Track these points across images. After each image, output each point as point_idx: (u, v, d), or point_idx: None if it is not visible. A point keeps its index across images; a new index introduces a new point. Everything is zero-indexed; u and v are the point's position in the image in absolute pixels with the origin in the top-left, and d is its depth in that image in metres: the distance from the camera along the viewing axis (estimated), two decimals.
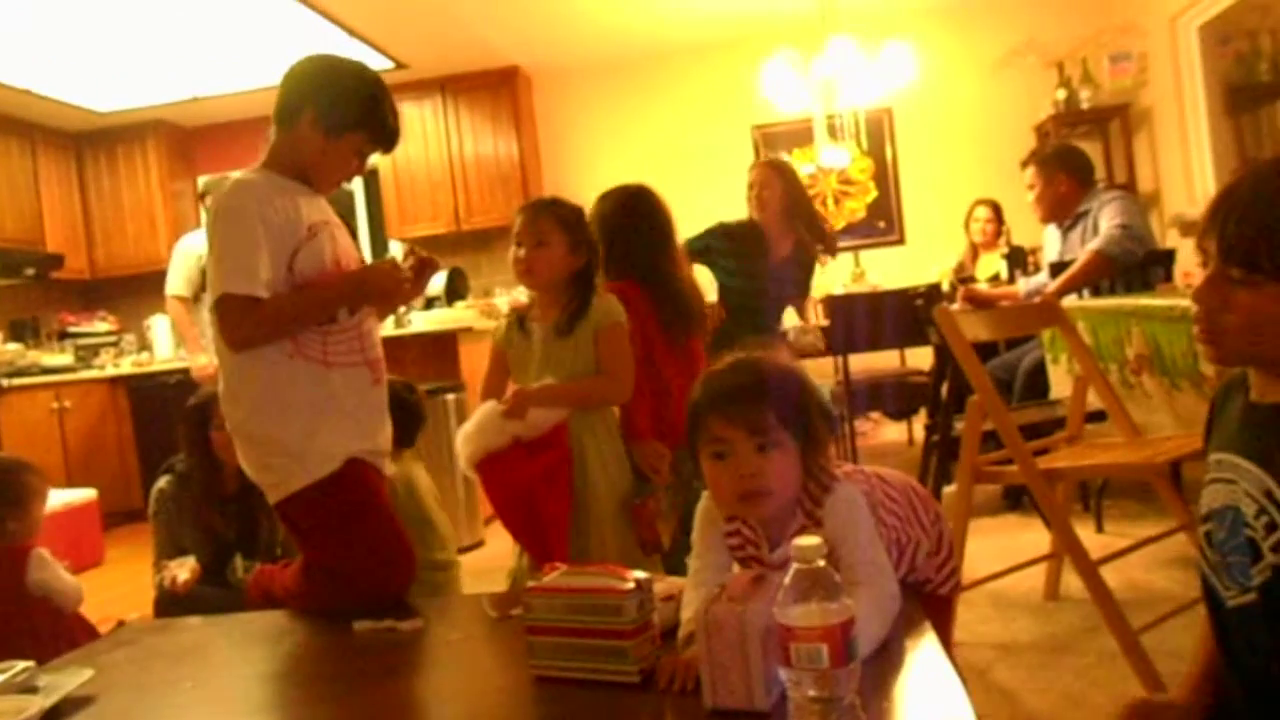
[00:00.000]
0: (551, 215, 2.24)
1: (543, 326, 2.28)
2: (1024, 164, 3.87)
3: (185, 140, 6.57)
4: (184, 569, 2.67)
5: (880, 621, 1.19)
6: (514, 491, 2.19)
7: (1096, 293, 3.48)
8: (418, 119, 6.21)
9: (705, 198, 6.24)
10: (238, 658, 1.50)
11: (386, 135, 1.99)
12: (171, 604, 2.67)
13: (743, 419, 1.21)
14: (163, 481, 2.95)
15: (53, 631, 2.24)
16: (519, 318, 2.35)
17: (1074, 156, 3.82)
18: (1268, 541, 1.03)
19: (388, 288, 1.95)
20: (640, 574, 1.18)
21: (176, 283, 4.90)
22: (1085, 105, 5.62)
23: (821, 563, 0.93)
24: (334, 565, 1.84)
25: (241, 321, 1.80)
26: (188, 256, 4.89)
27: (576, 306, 2.25)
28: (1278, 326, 0.99)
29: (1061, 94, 5.65)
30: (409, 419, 2.75)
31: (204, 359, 4.84)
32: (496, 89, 6.19)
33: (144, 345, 6.38)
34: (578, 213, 2.31)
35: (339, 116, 1.94)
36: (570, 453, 2.21)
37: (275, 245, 1.84)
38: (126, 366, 5.95)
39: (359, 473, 1.88)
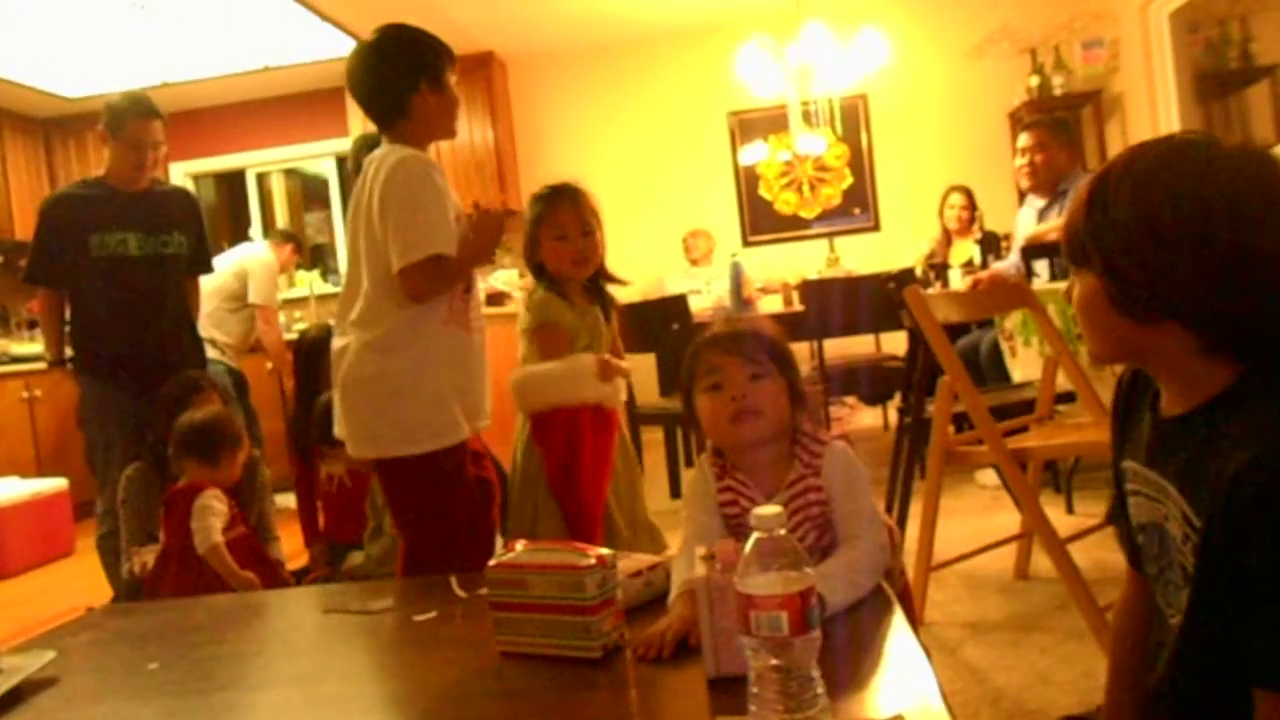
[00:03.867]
0: (588, 203, 2.34)
1: (582, 307, 2.36)
2: (1027, 126, 3.86)
3: None
4: (154, 555, 2.65)
5: (872, 572, 1.25)
6: (572, 454, 2.26)
7: (1068, 275, 3.51)
8: None
9: (681, 183, 6.27)
10: (203, 639, 1.49)
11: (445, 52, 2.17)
12: (140, 591, 2.65)
13: (736, 349, 1.34)
14: (131, 469, 2.93)
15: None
16: (558, 292, 2.35)
17: (1074, 132, 3.86)
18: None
19: (496, 237, 2.13)
20: (603, 550, 1.18)
21: (273, 294, 4.95)
22: (1058, 92, 5.66)
23: (782, 531, 0.94)
24: (428, 530, 2.05)
25: (432, 277, 1.98)
26: (275, 272, 4.99)
27: (602, 290, 2.42)
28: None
29: (1035, 80, 5.68)
30: None
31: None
32: (471, 75, 6.15)
33: None
34: (593, 198, 2.40)
35: (434, 64, 2.11)
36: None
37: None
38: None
39: (463, 447, 2.06)
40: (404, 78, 2.08)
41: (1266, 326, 0.95)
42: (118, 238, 3.13)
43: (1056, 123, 3.87)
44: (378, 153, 2.11)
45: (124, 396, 3.10)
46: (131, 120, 3.12)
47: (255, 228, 6.59)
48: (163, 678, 1.35)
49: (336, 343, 2.12)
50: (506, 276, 5.41)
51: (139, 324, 3.18)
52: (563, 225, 2.29)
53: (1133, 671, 1.15)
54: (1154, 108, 5.32)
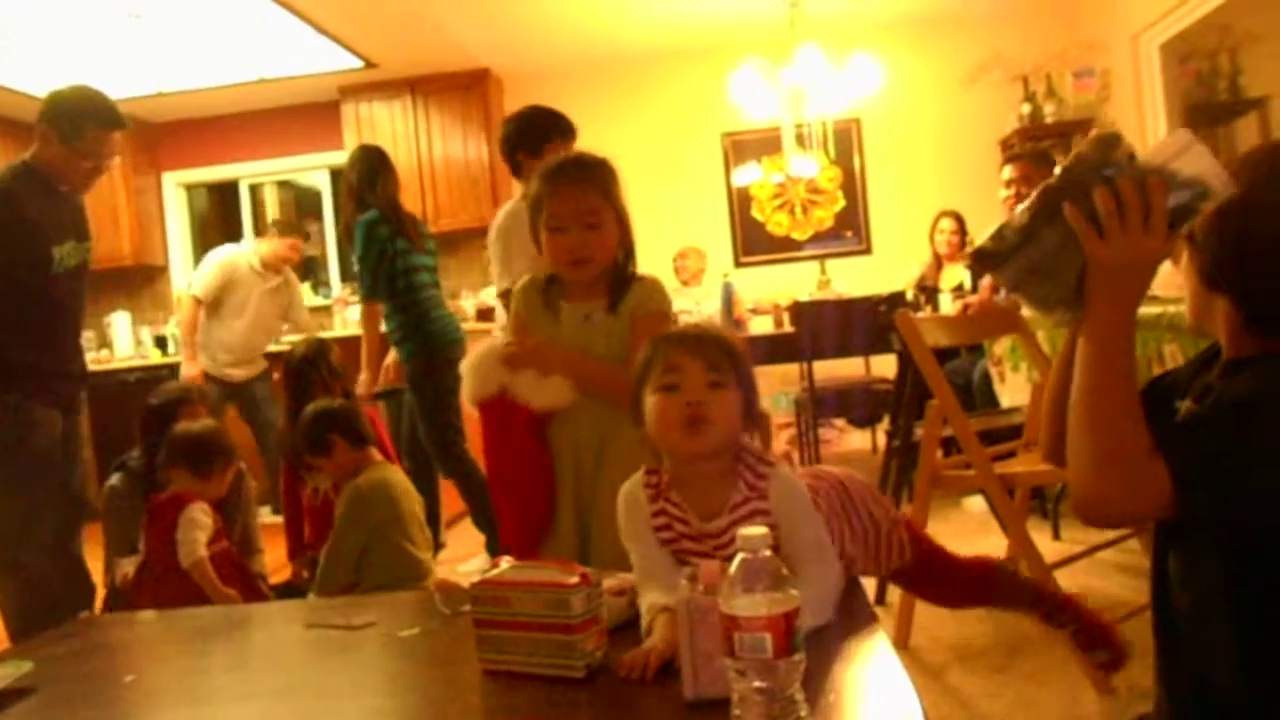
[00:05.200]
0: (597, 188, 1.82)
1: (575, 307, 1.87)
2: (1010, 159, 3.90)
3: (150, 135, 6.49)
4: (135, 566, 2.63)
5: (830, 601, 1.22)
6: (500, 444, 1.92)
7: None
8: (387, 119, 6.18)
9: (674, 203, 6.29)
10: (182, 652, 1.47)
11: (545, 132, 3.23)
12: (122, 602, 2.63)
13: (701, 352, 1.27)
14: (115, 479, 2.91)
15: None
16: (544, 288, 1.92)
17: (1053, 164, 3.90)
18: None
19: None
20: (588, 569, 1.18)
21: (201, 285, 4.82)
22: (1049, 120, 5.71)
23: (767, 552, 0.93)
24: None
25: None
26: (223, 266, 4.85)
27: (620, 283, 1.86)
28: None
29: (1026, 108, 5.73)
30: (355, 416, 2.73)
31: (194, 369, 4.78)
32: (467, 91, 6.18)
33: (103, 342, 6.30)
34: (614, 174, 1.88)
35: (534, 139, 3.19)
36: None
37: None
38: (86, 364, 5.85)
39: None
40: (514, 144, 3.23)
41: None
42: (68, 248, 2.83)
43: (1039, 154, 3.91)
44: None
45: (53, 416, 2.80)
46: (92, 129, 2.75)
47: (247, 239, 6.58)
48: (140, 690, 1.34)
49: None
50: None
51: (67, 335, 2.94)
52: (559, 214, 1.81)
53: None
54: (1144, 138, 5.37)
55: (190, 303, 4.89)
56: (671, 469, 1.30)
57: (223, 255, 4.94)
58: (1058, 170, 1.09)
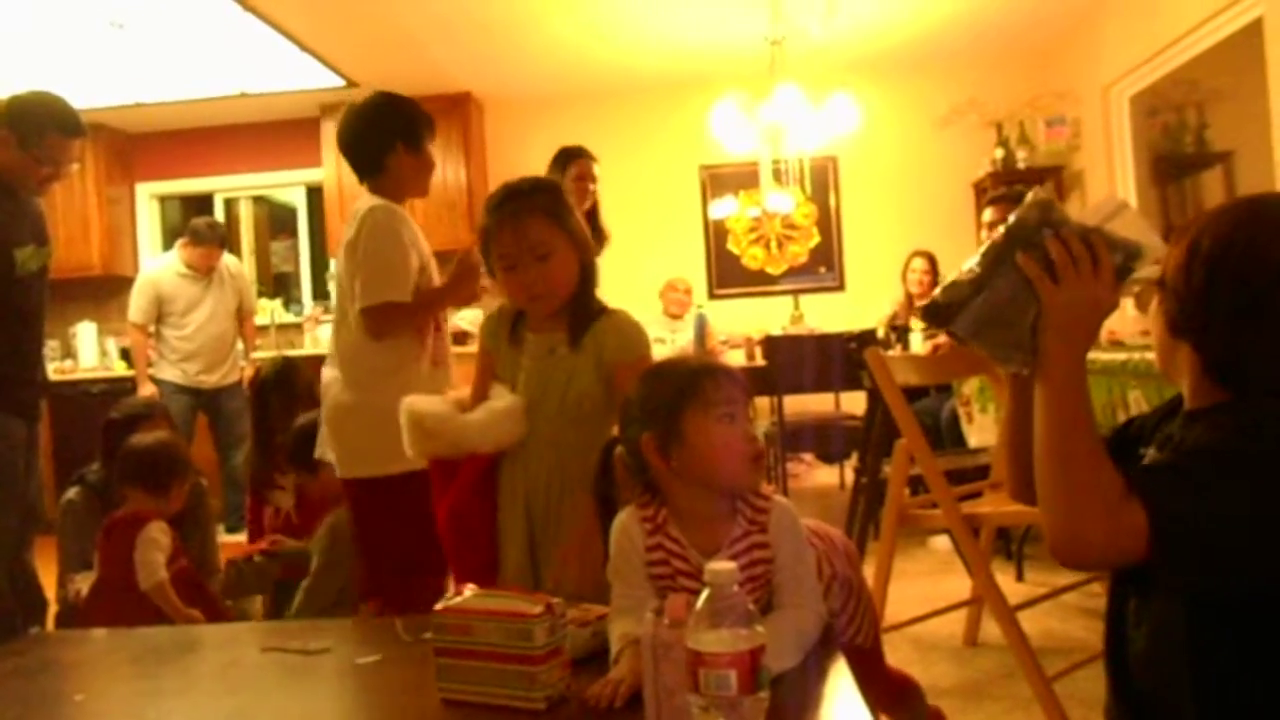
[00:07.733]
0: (541, 215, 1.74)
1: (539, 339, 1.78)
2: (991, 201, 3.95)
3: (125, 146, 6.44)
4: (89, 583, 2.57)
5: (802, 645, 1.21)
6: (441, 497, 1.86)
7: None
8: None
9: (650, 234, 6.31)
10: (134, 672, 1.44)
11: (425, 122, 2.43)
12: (75, 618, 2.57)
13: (746, 392, 1.28)
14: (72, 492, 2.86)
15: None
16: (512, 318, 1.84)
17: None
18: None
19: (469, 286, 2.34)
20: (552, 599, 1.16)
21: (134, 311, 4.98)
22: (1021, 165, 5.80)
23: (735, 588, 0.93)
24: (374, 554, 2.24)
25: (387, 320, 2.25)
26: (145, 286, 4.97)
27: (584, 315, 1.76)
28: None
29: (999, 153, 5.82)
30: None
31: (151, 388, 4.90)
32: (447, 113, 6.17)
33: (68, 352, 6.20)
34: (559, 196, 1.81)
35: (416, 130, 2.38)
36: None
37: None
38: (49, 373, 5.76)
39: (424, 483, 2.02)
40: (384, 137, 2.34)
41: (1255, 369, 1.07)
42: (28, 251, 2.73)
43: (1019, 197, 3.96)
44: (358, 200, 2.37)
45: (17, 425, 2.69)
46: (52, 136, 2.67)
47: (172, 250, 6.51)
48: (89, 710, 1.31)
49: (327, 374, 2.37)
50: (472, 316, 5.36)
51: (30, 342, 2.81)
52: (507, 252, 1.74)
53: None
54: (1113, 186, 5.47)
55: (132, 331, 5.05)
56: (673, 503, 1.27)
57: (143, 275, 5.09)
58: (1001, 230, 1.14)
